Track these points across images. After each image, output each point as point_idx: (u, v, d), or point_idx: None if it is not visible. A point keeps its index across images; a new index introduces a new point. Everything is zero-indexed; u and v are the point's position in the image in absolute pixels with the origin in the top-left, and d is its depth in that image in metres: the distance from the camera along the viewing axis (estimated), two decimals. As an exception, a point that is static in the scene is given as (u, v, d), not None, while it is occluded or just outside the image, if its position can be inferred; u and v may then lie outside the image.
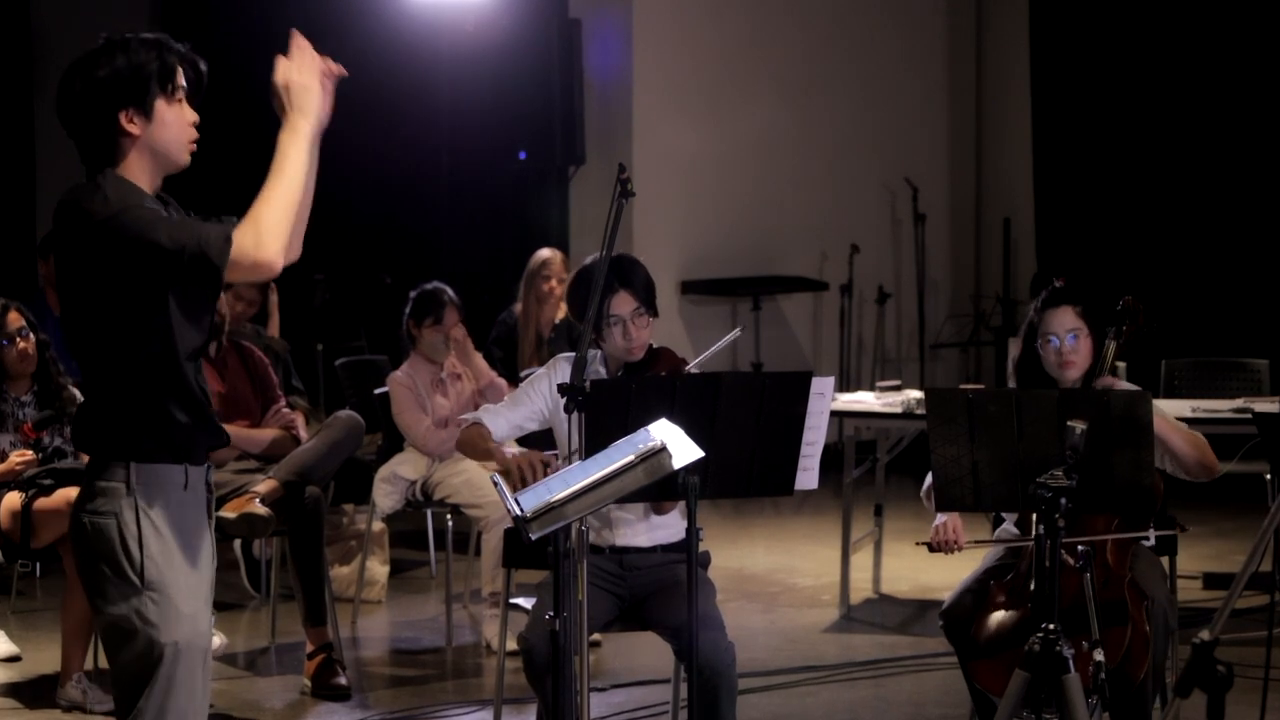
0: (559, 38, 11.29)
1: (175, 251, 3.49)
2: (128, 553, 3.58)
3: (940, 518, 5.22)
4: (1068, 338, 5.22)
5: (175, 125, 3.70)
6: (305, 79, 3.71)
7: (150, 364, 3.59)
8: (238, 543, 8.11)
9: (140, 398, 3.61)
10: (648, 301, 5.13)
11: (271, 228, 3.54)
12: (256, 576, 8.16)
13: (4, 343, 6.53)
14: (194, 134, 3.75)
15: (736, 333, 5.31)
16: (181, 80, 3.73)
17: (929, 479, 5.33)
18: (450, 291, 7.62)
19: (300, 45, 3.76)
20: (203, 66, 3.79)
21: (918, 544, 5.35)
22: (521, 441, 5.59)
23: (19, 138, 11.65)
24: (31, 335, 6.59)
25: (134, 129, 3.66)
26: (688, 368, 5.14)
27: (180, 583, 3.62)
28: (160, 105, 3.68)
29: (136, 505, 3.59)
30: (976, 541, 5.22)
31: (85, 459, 6.56)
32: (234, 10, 11.89)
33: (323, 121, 3.70)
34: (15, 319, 6.56)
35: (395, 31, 11.03)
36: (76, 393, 6.73)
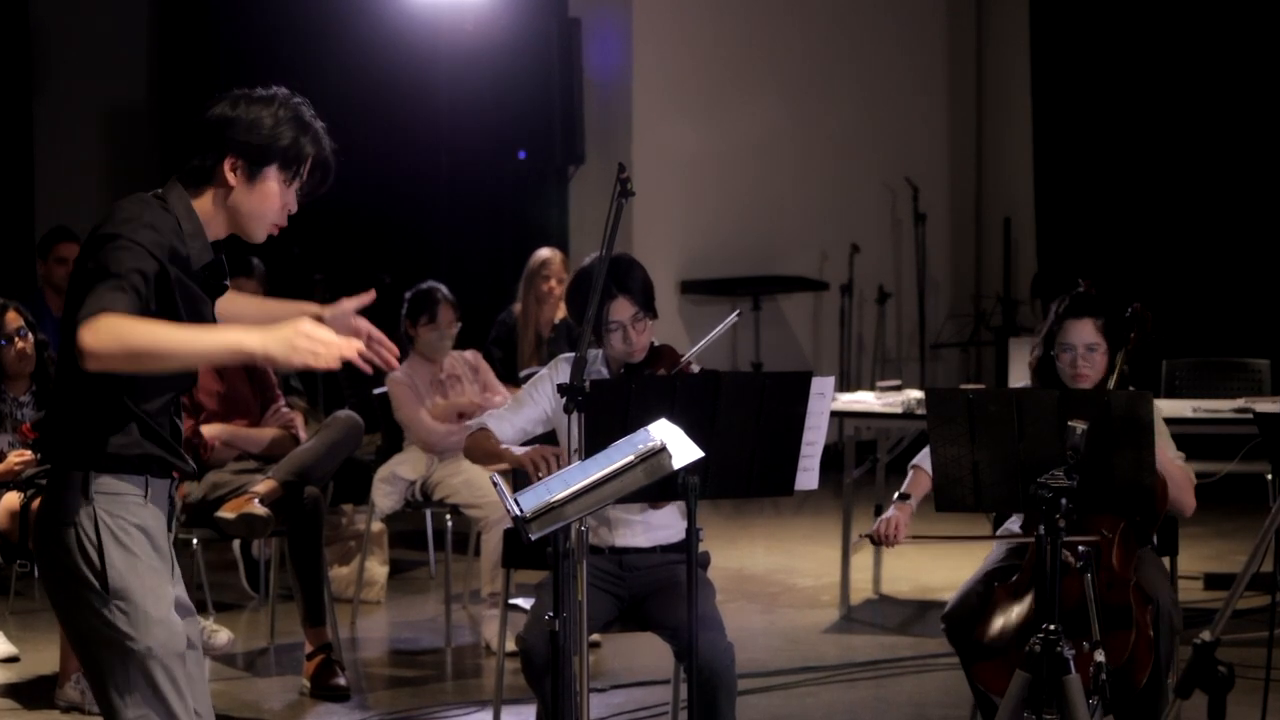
0: (559, 37, 11.27)
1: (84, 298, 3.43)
2: (89, 561, 3.56)
3: (890, 511, 5.21)
4: (1084, 351, 5.21)
5: (271, 203, 3.64)
6: (304, 353, 3.42)
7: (115, 389, 3.56)
8: (237, 543, 8.10)
9: (103, 417, 3.58)
10: (646, 305, 5.12)
11: (120, 341, 3.36)
12: (255, 577, 8.15)
13: (2, 342, 6.52)
14: (283, 222, 3.69)
15: (735, 317, 5.28)
16: (304, 172, 3.66)
17: (920, 456, 5.33)
18: (444, 289, 7.61)
19: (350, 350, 3.53)
20: (332, 172, 3.69)
21: (860, 536, 5.35)
22: (525, 443, 5.59)
23: (18, 138, 11.64)
24: (30, 335, 6.59)
25: (231, 180, 3.61)
26: (687, 355, 5.13)
27: (146, 588, 3.59)
28: (269, 177, 3.62)
29: (95, 514, 3.57)
30: (915, 537, 5.21)
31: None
32: (233, 10, 11.88)
33: (260, 359, 3.45)
34: (14, 319, 6.56)
35: (395, 31, 11.02)
36: None
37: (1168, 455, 5.16)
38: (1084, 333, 5.22)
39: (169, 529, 3.71)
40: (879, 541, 5.19)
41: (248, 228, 3.67)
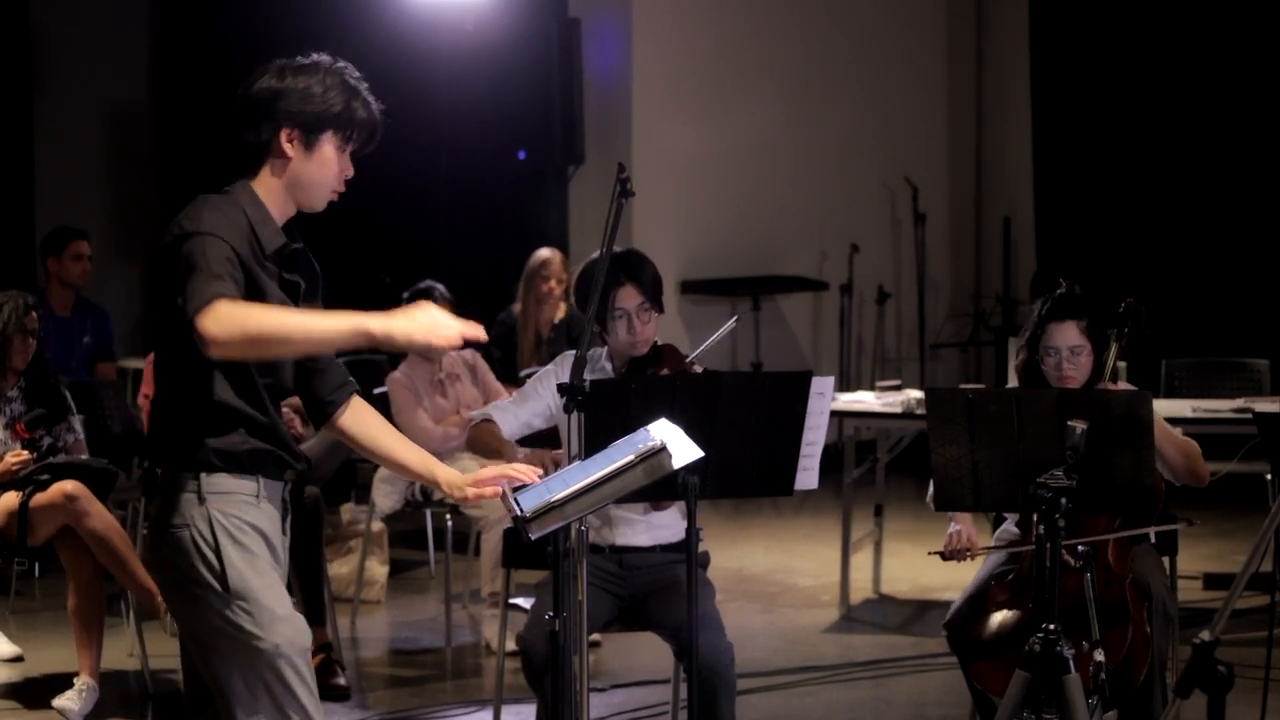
0: (559, 37, 11.28)
1: (183, 292, 3.42)
2: (207, 562, 3.53)
3: (953, 526, 5.20)
4: (1068, 354, 5.20)
5: (330, 170, 3.64)
6: (427, 330, 3.48)
7: (222, 391, 3.55)
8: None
9: (212, 418, 3.56)
10: (654, 297, 5.13)
11: (241, 325, 3.37)
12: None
13: (20, 332, 6.57)
14: (341, 188, 3.69)
15: (733, 323, 5.28)
16: (356, 136, 3.66)
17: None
18: (442, 288, 7.62)
19: (471, 331, 3.58)
20: (379, 132, 3.69)
21: (930, 553, 5.30)
22: (528, 440, 5.62)
23: (19, 138, 11.64)
24: (35, 341, 6.65)
25: (289, 151, 3.60)
26: (688, 358, 5.14)
27: (267, 585, 3.57)
28: (325, 144, 3.62)
29: (210, 515, 3.54)
30: (989, 548, 5.19)
31: (80, 452, 6.59)
32: (233, 10, 11.88)
33: (381, 340, 3.50)
34: (34, 320, 6.63)
35: (395, 31, 11.02)
36: (68, 395, 6.74)
37: (1164, 428, 5.13)
38: (1067, 335, 5.20)
39: (283, 532, 3.68)
40: (950, 557, 5.18)
41: (310, 197, 3.66)
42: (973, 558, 5.20)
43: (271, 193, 3.62)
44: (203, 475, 3.55)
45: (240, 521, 3.56)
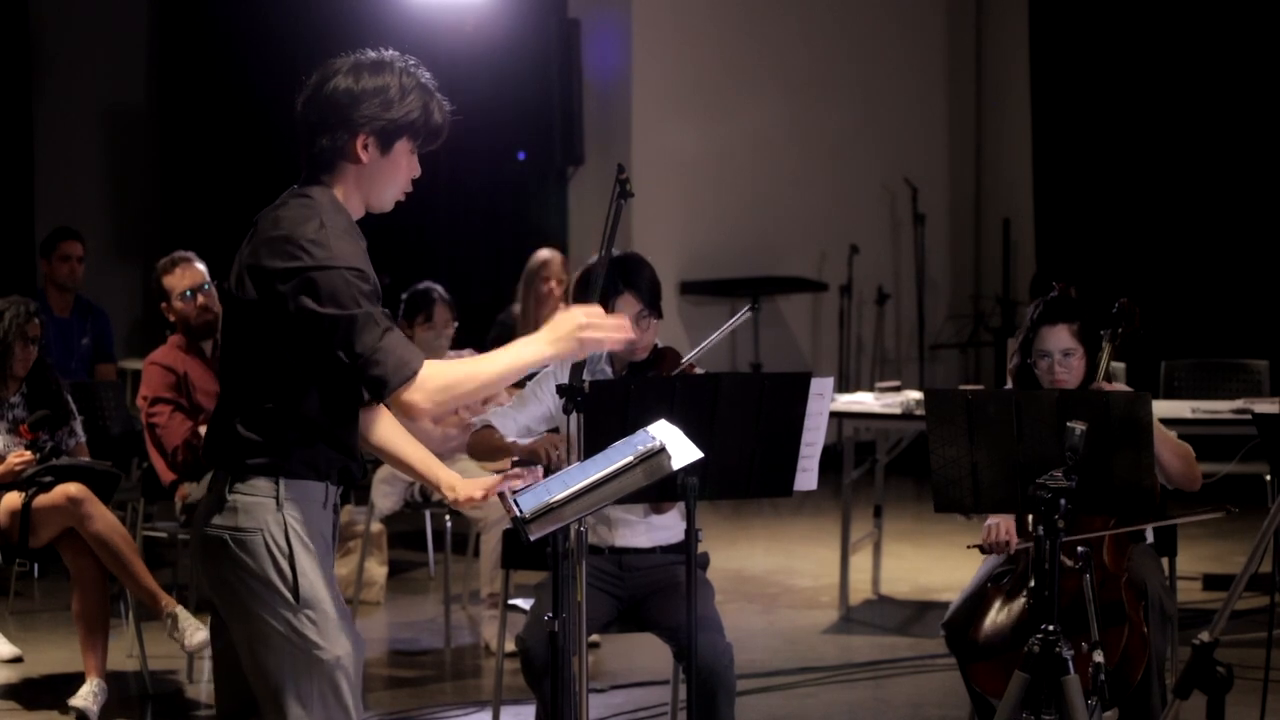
0: (558, 38, 11.28)
1: (358, 352, 3.42)
2: (279, 569, 3.50)
3: (992, 519, 5.18)
4: (1060, 357, 5.19)
5: (402, 173, 3.64)
6: (588, 335, 3.58)
7: (311, 399, 3.53)
8: None
9: (300, 427, 3.54)
10: (652, 303, 5.13)
11: (449, 391, 3.48)
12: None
13: (21, 340, 6.56)
14: (409, 188, 3.69)
15: (745, 313, 5.26)
16: (428, 140, 3.65)
17: None
18: (440, 289, 7.63)
19: (623, 328, 3.65)
20: (445, 133, 3.70)
21: (969, 546, 5.28)
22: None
23: (18, 138, 11.64)
24: (36, 348, 6.65)
25: (364, 156, 3.58)
26: (691, 354, 5.13)
27: (333, 596, 3.56)
28: (400, 148, 3.61)
29: (285, 521, 3.52)
30: (1027, 543, 5.19)
31: (83, 455, 6.57)
32: (233, 10, 11.88)
33: (555, 360, 3.66)
34: (36, 328, 6.62)
35: (395, 31, 10.99)
36: (70, 399, 6.73)
37: (1161, 431, 5.13)
38: (1059, 339, 5.19)
39: (335, 534, 3.68)
40: (989, 551, 5.16)
41: (382, 199, 3.66)
42: (1012, 551, 5.17)
43: (347, 196, 3.61)
44: (281, 479, 3.53)
45: (312, 529, 3.55)
